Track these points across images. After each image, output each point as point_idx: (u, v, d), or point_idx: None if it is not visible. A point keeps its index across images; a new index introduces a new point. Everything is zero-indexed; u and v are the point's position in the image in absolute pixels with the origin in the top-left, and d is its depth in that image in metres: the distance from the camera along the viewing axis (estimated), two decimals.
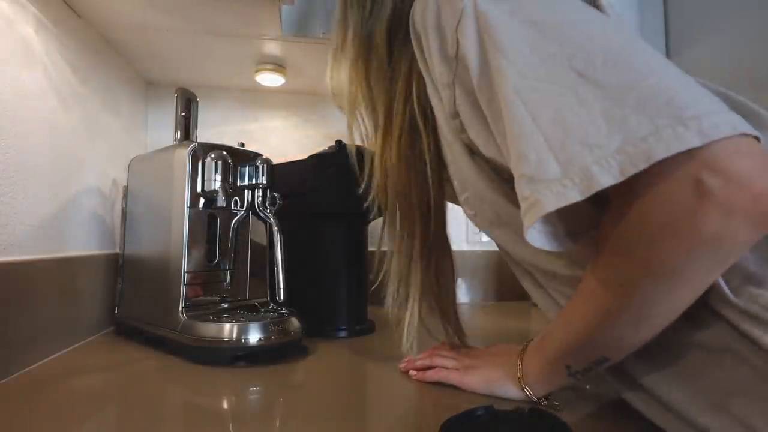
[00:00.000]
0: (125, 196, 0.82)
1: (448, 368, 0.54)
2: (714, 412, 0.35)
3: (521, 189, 0.34)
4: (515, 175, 0.35)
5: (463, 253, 1.20)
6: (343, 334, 0.81)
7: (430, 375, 0.54)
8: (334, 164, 0.79)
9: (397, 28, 0.52)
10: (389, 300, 0.58)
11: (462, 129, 0.44)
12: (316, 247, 0.84)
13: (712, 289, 0.34)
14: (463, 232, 1.22)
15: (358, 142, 0.60)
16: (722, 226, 0.29)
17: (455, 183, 0.50)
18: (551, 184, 0.31)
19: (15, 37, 0.59)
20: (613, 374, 0.43)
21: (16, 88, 0.59)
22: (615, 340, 0.38)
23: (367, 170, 0.58)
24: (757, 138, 0.30)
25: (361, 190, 0.59)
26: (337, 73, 0.57)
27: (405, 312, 0.57)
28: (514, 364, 0.48)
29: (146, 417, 0.46)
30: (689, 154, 0.28)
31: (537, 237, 0.35)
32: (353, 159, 0.63)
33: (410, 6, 0.49)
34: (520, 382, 0.47)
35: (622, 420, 0.45)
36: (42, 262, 0.63)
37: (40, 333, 0.61)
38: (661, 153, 0.28)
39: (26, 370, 0.58)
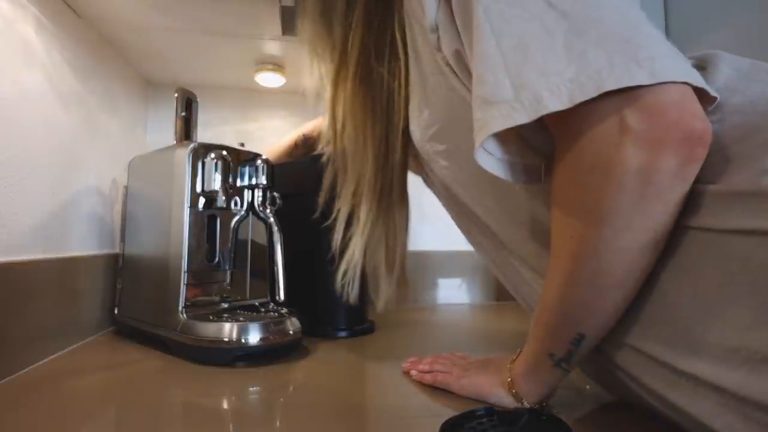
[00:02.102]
0: (125, 196, 0.82)
1: (443, 373, 0.54)
2: (688, 352, 0.33)
3: (474, 110, 0.35)
4: (473, 97, 0.36)
5: (462, 253, 1.20)
6: (343, 334, 0.81)
7: (427, 378, 0.55)
8: None
9: None
10: (337, 237, 0.58)
11: (438, 45, 0.44)
12: (316, 247, 0.84)
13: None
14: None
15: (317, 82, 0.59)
16: (644, 158, 0.30)
17: (425, 115, 0.49)
18: (502, 107, 0.33)
19: (15, 37, 0.59)
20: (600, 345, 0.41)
21: (16, 88, 0.59)
22: (583, 308, 0.37)
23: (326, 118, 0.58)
24: (703, 90, 0.32)
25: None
26: (303, 16, 0.57)
27: (347, 248, 0.57)
28: (505, 370, 0.47)
29: (146, 417, 0.46)
30: (618, 95, 0.30)
31: (490, 161, 0.36)
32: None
33: None
34: (510, 387, 0.45)
35: (622, 420, 0.45)
36: (42, 262, 0.63)
37: (40, 333, 0.61)
38: (610, 85, 0.30)
39: (26, 370, 0.58)
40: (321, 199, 0.60)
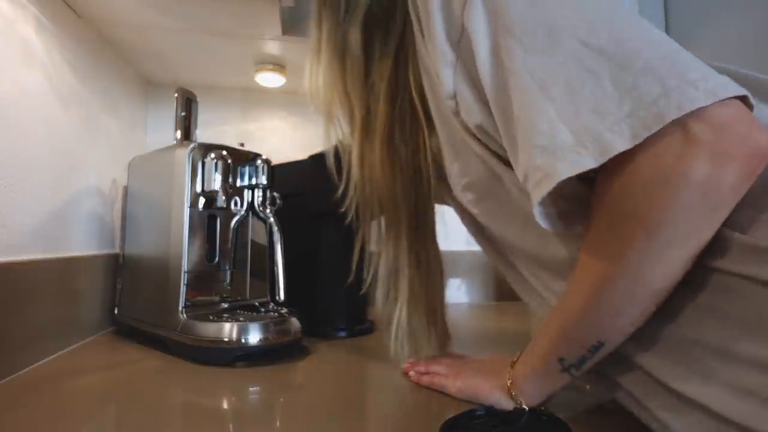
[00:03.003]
0: (125, 196, 0.82)
1: (440, 375, 0.53)
2: (702, 380, 0.32)
3: (533, 159, 0.33)
4: (524, 147, 0.35)
5: (463, 253, 1.20)
6: (343, 334, 0.81)
7: (425, 379, 0.54)
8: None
9: (373, 28, 0.52)
10: (381, 300, 0.60)
11: (456, 110, 0.44)
12: (316, 247, 0.84)
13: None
14: (464, 232, 1.21)
15: (334, 144, 0.60)
16: (709, 170, 0.30)
17: (455, 168, 0.49)
18: (565, 153, 0.32)
19: (15, 37, 0.59)
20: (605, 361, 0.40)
21: (16, 88, 0.59)
22: (613, 316, 0.36)
23: (345, 173, 0.59)
24: (750, 103, 0.31)
25: (340, 192, 0.59)
26: (315, 74, 0.57)
27: (393, 312, 0.58)
28: (505, 372, 0.45)
29: (146, 417, 0.46)
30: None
31: (538, 215, 0.35)
32: (331, 162, 0.62)
33: (388, 3, 0.50)
34: (509, 390, 0.44)
35: (622, 420, 0.45)
36: (42, 262, 0.63)
37: (40, 333, 0.61)
38: (673, 114, 0.29)
39: (26, 370, 0.58)
40: (355, 258, 0.62)
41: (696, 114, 0.29)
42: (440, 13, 0.42)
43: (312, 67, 0.57)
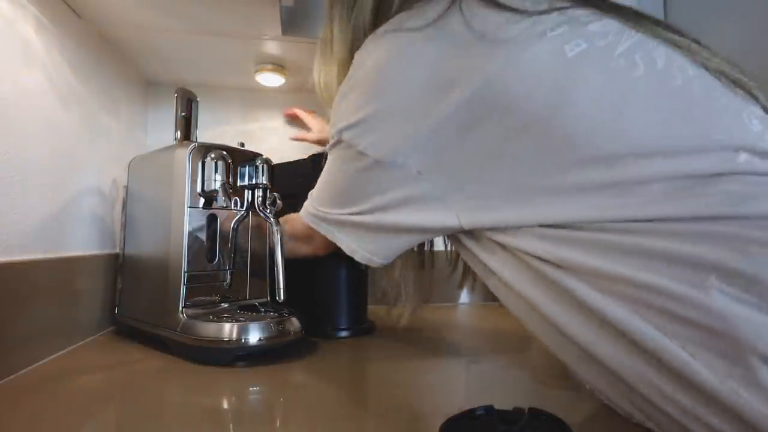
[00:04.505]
0: (125, 196, 0.82)
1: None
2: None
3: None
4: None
5: None
6: (343, 334, 0.81)
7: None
8: None
9: (382, 21, 0.51)
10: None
11: None
12: None
13: None
14: None
15: None
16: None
17: None
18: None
19: (15, 37, 0.59)
20: None
21: (16, 88, 0.59)
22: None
23: None
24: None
25: None
26: (324, 68, 0.57)
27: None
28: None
29: (146, 417, 0.46)
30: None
31: None
32: None
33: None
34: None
35: (622, 420, 0.45)
36: (42, 262, 0.63)
37: (40, 333, 0.61)
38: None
39: (26, 370, 0.58)
40: None
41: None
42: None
43: (321, 60, 0.57)
